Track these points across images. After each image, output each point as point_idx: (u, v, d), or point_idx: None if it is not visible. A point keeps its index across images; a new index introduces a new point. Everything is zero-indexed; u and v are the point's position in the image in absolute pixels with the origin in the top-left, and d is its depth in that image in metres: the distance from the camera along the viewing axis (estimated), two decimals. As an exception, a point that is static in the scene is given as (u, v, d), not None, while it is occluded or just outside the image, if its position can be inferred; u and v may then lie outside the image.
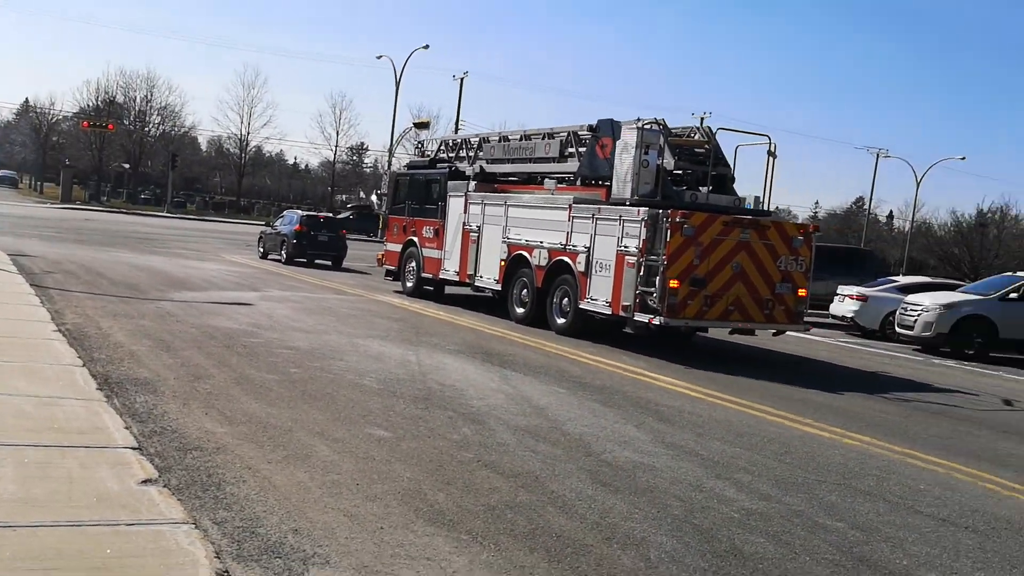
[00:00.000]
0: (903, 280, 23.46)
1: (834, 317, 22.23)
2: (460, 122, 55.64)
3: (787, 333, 14.71)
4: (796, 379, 12.24)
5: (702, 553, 4.96)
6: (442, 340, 12.64)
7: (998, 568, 5.23)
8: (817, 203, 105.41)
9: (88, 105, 73.80)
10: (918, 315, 18.24)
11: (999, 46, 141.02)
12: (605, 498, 5.79)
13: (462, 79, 55.89)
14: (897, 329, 19.10)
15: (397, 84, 52.59)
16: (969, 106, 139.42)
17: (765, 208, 14.35)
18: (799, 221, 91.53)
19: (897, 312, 19.25)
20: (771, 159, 14.20)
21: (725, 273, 12.78)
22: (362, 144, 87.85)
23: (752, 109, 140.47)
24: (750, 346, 15.82)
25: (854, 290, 21.40)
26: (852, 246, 39.90)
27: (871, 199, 71.75)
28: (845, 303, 21.39)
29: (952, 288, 21.17)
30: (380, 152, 78.60)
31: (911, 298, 19.07)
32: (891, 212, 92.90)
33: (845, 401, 10.77)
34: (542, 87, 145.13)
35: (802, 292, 13.42)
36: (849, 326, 21.83)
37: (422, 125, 48.30)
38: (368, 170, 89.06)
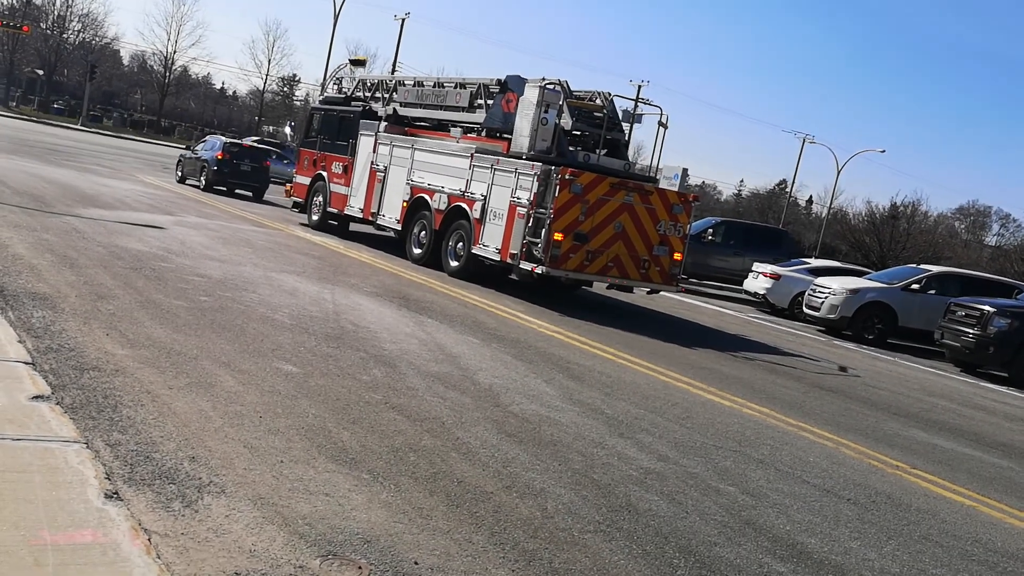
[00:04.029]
0: (815, 263, 24.22)
1: (747, 293, 22.90)
2: (398, 63, 54.51)
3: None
4: (705, 348, 12.56)
5: (597, 507, 5.08)
6: (360, 281, 12.50)
7: (874, 537, 5.51)
8: (742, 181, 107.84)
9: (2, 3, 69.57)
10: (825, 297, 18.94)
11: (927, 49, 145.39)
12: (509, 448, 5.85)
13: (403, 19, 54.60)
14: (805, 309, 19.82)
15: (336, 17, 51.04)
16: (894, 102, 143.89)
17: (652, 175, 15.17)
18: (723, 198, 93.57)
19: (806, 293, 19.95)
20: (662, 129, 15.11)
21: (607, 231, 13.42)
22: (294, 76, 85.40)
23: (691, 83, 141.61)
24: (656, 311, 16.15)
25: (768, 268, 22.07)
26: (771, 226, 40.91)
27: (793, 182, 73.87)
28: (759, 280, 22.03)
29: (859, 274, 21.98)
30: (312, 86, 76.38)
31: (820, 281, 19.77)
32: (811, 197, 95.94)
33: (748, 372, 11.11)
34: (487, 38, 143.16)
35: (677, 256, 14.16)
36: (760, 303, 22.50)
37: (358, 63, 46.89)
38: (299, 103, 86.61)
